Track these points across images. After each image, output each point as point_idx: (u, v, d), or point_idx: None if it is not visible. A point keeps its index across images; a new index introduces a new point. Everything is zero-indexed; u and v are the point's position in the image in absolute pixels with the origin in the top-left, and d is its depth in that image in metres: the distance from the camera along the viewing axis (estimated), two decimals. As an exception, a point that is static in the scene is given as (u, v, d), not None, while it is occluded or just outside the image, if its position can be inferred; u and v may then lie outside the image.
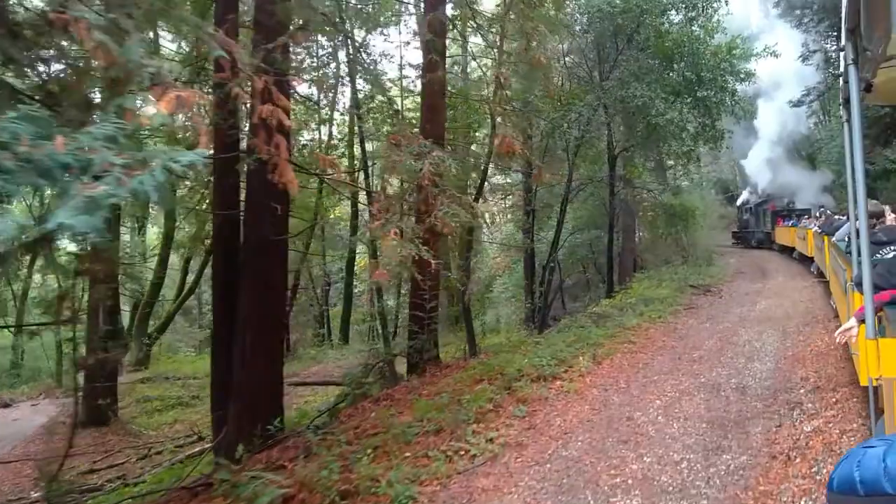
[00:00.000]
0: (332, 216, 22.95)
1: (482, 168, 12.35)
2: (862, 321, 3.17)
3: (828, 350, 7.67)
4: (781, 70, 19.45)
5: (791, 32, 19.01)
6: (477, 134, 16.51)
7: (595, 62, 13.37)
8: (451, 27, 10.90)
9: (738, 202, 29.19)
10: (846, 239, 6.14)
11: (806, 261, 16.31)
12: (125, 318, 20.28)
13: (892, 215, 5.91)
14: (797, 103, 21.57)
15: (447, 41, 10.91)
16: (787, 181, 23.87)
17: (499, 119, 9.87)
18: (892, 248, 4.61)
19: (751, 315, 11.26)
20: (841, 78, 3.74)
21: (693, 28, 12.53)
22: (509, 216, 21.49)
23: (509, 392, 6.54)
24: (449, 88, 12.60)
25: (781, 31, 19.29)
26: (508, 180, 20.21)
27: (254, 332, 6.83)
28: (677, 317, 11.63)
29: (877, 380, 3.10)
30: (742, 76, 13.34)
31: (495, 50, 10.67)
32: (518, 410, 6.08)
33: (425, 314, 9.11)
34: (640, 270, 19.19)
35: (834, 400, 5.59)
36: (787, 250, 20.34)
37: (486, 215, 18.74)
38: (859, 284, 3.27)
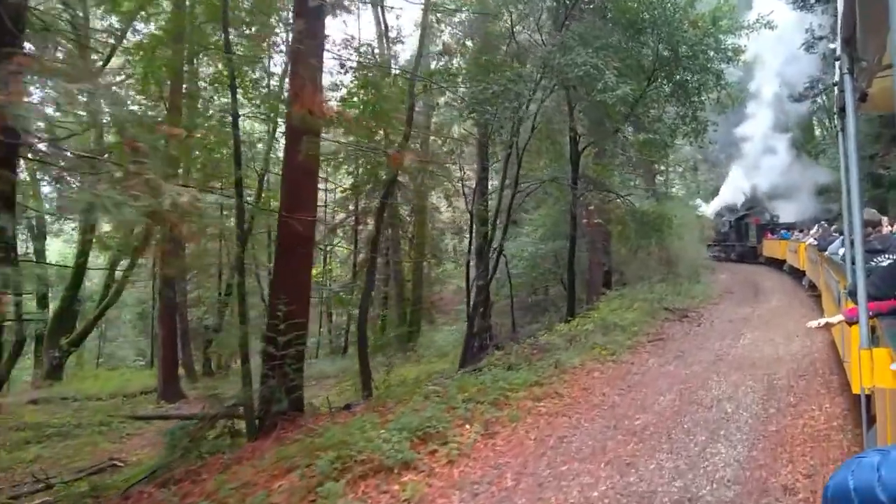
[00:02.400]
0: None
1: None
2: (850, 322, 3.34)
3: (828, 427, 5.19)
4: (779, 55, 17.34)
5: (794, 15, 16.63)
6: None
7: (544, 24, 10.93)
8: None
9: (711, 210, 26.82)
10: (839, 252, 6.27)
11: (798, 276, 15.63)
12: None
13: (888, 227, 5.79)
14: (800, 97, 19.15)
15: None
16: (775, 192, 21.82)
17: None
18: (887, 256, 4.53)
19: (730, 354, 8.76)
20: (836, 87, 3.56)
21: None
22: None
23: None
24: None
25: (781, 14, 16.94)
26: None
27: None
28: (636, 353, 9.13)
29: (869, 389, 2.99)
30: (729, 54, 10.91)
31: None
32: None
33: (277, 350, 6.65)
34: (614, 288, 16.72)
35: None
36: (774, 263, 19.92)
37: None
38: (853, 294, 3.42)
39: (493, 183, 15.56)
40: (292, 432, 6.56)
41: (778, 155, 22.75)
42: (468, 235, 14.55)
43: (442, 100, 13.78)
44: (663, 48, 10.32)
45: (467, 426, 5.41)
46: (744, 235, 24.43)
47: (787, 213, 22.40)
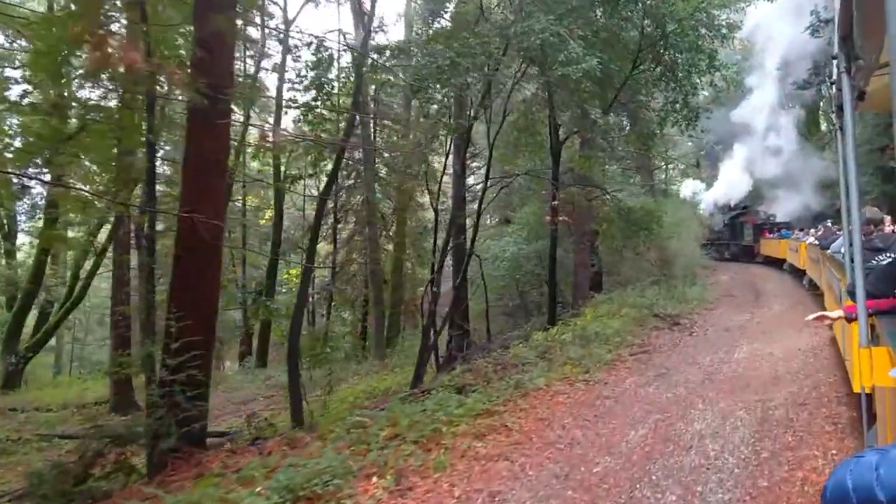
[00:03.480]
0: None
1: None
2: (849, 319, 3.32)
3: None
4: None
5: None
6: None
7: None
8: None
9: (706, 207, 25.74)
10: (841, 251, 6.13)
11: (799, 276, 15.24)
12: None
13: (890, 226, 5.76)
14: (804, 85, 17.86)
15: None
16: (773, 188, 20.72)
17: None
18: (888, 255, 4.43)
19: (721, 372, 7.59)
20: (834, 85, 3.60)
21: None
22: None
23: None
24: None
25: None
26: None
27: None
28: (614, 371, 7.96)
29: (869, 387, 2.98)
30: (723, 31, 9.70)
31: None
32: None
33: (168, 373, 5.53)
34: (605, 290, 15.54)
35: None
36: (772, 262, 19.74)
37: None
38: (852, 293, 3.37)
39: (471, 180, 14.38)
40: (186, 472, 5.45)
41: (778, 147, 21.47)
42: (433, 235, 13.41)
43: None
44: (648, 24, 9.13)
45: (375, 479, 4.27)
46: (739, 234, 23.95)
47: (783, 209, 21.70)
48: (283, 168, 21.04)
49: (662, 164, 29.72)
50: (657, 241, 13.39)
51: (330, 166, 10.62)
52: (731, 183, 23.21)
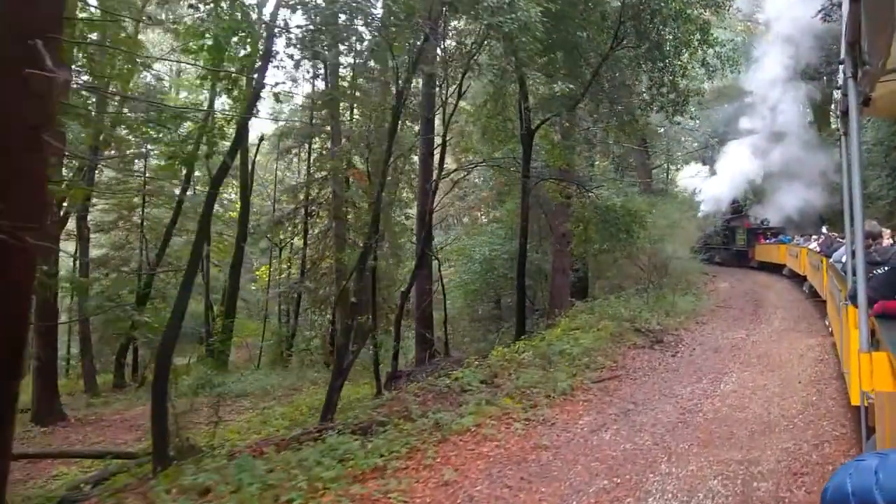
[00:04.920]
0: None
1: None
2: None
3: None
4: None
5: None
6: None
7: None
8: None
9: (704, 205, 24.72)
10: (842, 259, 6.25)
11: (798, 280, 14.95)
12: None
13: (889, 240, 5.65)
14: (813, 75, 16.24)
15: None
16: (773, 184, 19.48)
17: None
18: (886, 268, 4.40)
19: (701, 411, 6.10)
20: (839, 91, 3.69)
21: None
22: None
23: None
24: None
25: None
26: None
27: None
28: (568, 406, 6.48)
29: (868, 399, 3.08)
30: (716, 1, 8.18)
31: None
32: None
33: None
34: (590, 298, 14.03)
35: None
36: (767, 268, 19.47)
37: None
38: (853, 297, 3.58)
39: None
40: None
41: (781, 143, 19.94)
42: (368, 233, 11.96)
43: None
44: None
45: None
46: (731, 238, 23.52)
47: (783, 208, 20.83)
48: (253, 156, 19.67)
49: (662, 161, 28.22)
50: (640, 245, 11.87)
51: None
52: (729, 180, 21.73)
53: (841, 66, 3.14)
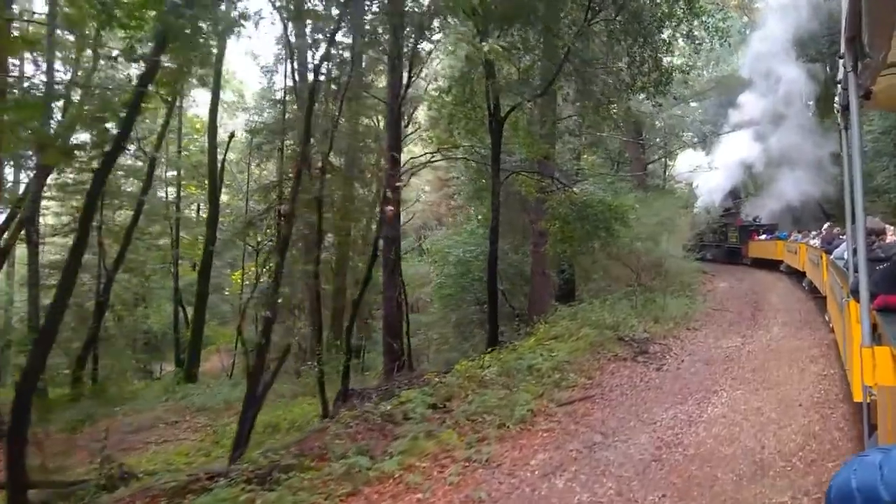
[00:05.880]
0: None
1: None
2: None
3: None
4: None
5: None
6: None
7: None
8: None
9: (702, 200, 24.29)
10: (844, 256, 6.08)
11: (797, 277, 14.54)
12: None
13: (892, 236, 5.57)
14: (814, 58, 15.13)
15: None
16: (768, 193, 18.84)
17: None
18: (888, 264, 4.30)
19: (681, 444, 5.07)
20: (839, 85, 3.68)
21: None
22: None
23: None
24: None
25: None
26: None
27: None
28: (523, 438, 5.45)
29: (871, 395, 3.07)
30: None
31: None
32: None
33: None
34: (577, 300, 12.95)
35: None
36: (765, 265, 18.92)
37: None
38: (855, 292, 3.58)
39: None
40: None
41: (779, 131, 18.99)
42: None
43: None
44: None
45: None
46: (723, 236, 23.57)
47: (776, 202, 20.79)
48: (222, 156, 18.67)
49: (660, 156, 27.08)
50: (621, 244, 10.79)
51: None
52: (727, 169, 20.84)
53: (841, 61, 3.10)
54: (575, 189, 10.72)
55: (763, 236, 19.93)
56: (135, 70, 8.27)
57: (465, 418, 5.84)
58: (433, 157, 9.38)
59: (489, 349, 9.60)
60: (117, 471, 8.19)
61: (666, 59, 8.09)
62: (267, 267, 20.16)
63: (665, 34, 7.87)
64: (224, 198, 22.06)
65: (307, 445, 5.18)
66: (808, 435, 5.03)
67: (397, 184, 10.48)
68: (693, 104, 27.75)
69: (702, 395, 6.55)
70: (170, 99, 15.71)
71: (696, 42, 8.15)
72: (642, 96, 8.63)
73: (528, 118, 10.70)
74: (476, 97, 9.82)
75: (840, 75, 3.40)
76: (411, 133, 12.40)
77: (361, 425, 5.73)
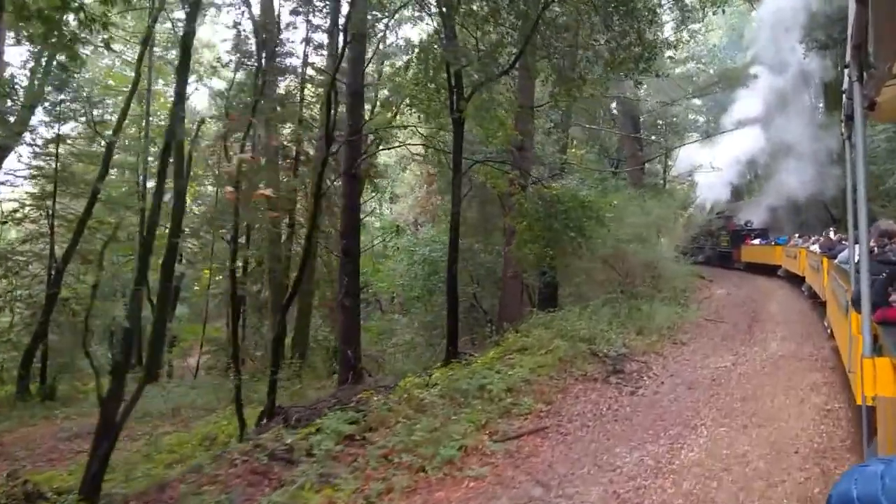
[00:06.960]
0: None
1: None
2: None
3: None
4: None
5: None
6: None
7: None
8: None
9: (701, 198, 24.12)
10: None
11: (796, 282, 14.14)
12: None
13: None
14: (822, 46, 13.84)
15: None
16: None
17: None
18: (886, 273, 4.25)
19: (637, 509, 3.92)
20: (844, 95, 3.62)
21: None
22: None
23: None
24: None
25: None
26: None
27: None
28: (445, 487, 4.33)
29: (872, 398, 3.05)
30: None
31: None
32: None
33: None
34: (559, 307, 11.78)
35: None
36: (753, 268, 18.89)
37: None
38: (856, 302, 3.53)
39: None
40: None
41: (785, 129, 17.95)
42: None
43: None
44: None
45: None
46: (716, 240, 23.30)
47: (779, 198, 20.03)
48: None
49: (660, 153, 25.86)
50: (607, 245, 9.64)
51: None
52: (729, 164, 19.91)
53: (846, 70, 3.12)
54: (554, 184, 9.56)
55: (756, 241, 19.79)
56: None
57: (381, 456, 4.72)
58: (381, 145, 8.19)
59: (447, 362, 8.49)
60: (20, 488, 7.14)
61: (650, 31, 6.92)
62: (234, 261, 19.08)
63: (650, 3, 6.71)
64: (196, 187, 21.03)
65: (157, 498, 4.06)
66: (803, 501, 3.87)
67: (354, 171, 9.38)
68: (697, 101, 26.53)
69: (677, 432, 5.40)
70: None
71: (686, 11, 6.96)
72: (624, 75, 7.48)
73: (506, 105, 9.57)
74: (438, 75, 8.67)
75: (845, 85, 3.34)
76: (376, 116, 11.22)
77: (248, 464, 4.60)
